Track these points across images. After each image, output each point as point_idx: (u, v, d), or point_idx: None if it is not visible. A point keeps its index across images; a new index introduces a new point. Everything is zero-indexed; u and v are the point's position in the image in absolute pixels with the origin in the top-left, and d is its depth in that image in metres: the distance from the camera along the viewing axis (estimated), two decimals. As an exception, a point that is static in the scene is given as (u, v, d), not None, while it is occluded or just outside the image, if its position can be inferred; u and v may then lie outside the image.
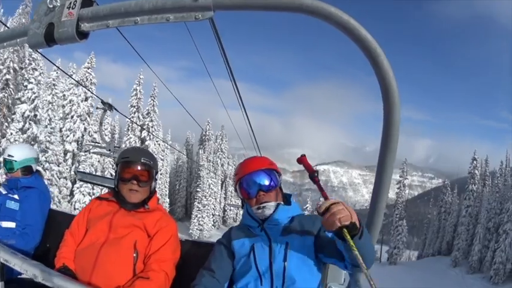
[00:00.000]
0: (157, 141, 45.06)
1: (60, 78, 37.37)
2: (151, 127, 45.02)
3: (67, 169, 34.59)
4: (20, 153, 3.93)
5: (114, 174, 3.04)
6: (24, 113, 29.15)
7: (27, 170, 3.95)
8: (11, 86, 29.91)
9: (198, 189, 54.44)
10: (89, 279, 2.50)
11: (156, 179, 3.02)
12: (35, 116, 29.84)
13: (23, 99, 29.45)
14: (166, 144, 50.10)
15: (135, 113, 43.20)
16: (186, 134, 68.23)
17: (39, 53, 27.05)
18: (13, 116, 28.99)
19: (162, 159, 48.69)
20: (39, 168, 4.25)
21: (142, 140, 42.73)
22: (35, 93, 29.92)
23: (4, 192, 3.84)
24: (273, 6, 1.71)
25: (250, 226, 2.61)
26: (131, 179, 2.84)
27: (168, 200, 52.40)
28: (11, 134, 28.70)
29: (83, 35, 2.10)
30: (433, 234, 60.39)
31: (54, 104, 33.62)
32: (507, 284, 38.87)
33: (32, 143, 28.72)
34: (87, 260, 2.61)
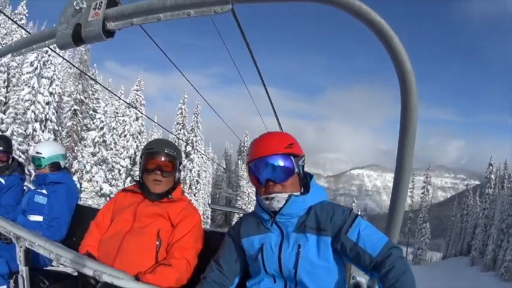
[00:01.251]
0: (200, 155, 46.80)
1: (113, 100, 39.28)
2: (195, 141, 46.98)
3: (121, 183, 35.84)
4: (47, 150, 3.94)
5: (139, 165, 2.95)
6: (94, 138, 32.09)
7: (55, 166, 3.95)
8: (79, 115, 33.49)
9: (238, 198, 54.47)
10: (111, 265, 2.43)
11: (180, 170, 2.95)
12: (104, 141, 32.77)
13: (91, 126, 32.57)
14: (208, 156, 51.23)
15: (180, 129, 45.62)
16: (225, 145, 69.24)
17: (98, 83, 29.56)
18: (84, 142, 32.61)
19: (204, 171, 51.08)
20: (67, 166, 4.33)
21: (187, 154, 44.51)
22: (102, 121, 32.84)
23: (33, 187, 3.89)
24: None
25: (262, 218, 2.26)
26: (155, 169, 2.78)
27: (210, 208, 52.67)
28: (83, 156, 32.06)
29: (109, 34, 2.08)
30: (455, 235, 62.52)
31: (117, 129, 35.94)
32: None
33: (101, 163, 31.92)
34: (111, 247, 2.59)
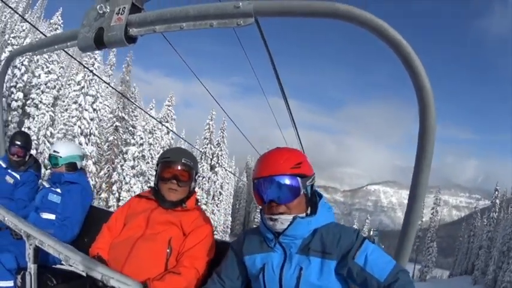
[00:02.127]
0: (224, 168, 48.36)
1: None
2: (220, 155, 48.29)
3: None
4: (65, 150, 3.86)
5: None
6: (134, 153, 34.33)
7: (72, 166, 3.86)
8: (120, 131, 35.53)
9: (257, 210, 55.09)
10: (120, 270, 2.37)
11: (195, 180, 2.85)
12: (143, 156, 35.05)
13: (130, 141, 35.05)
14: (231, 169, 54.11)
15: (207, 144, 46.55)
16: (247, 158, 68.93)
17: (134, 104, 32.03)
18: (125, 156, 34.44)
19: (227, 183, 53.08)
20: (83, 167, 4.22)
21: (212, 167, 46.08)
22: (142, 138, 35.11)
23: (47, 185, 3.80)
24: (309, 13, 1.68)
25: (266, 237, 2.13)
26: (171, 178, 2.69)
27: (230, 218, 55.89)
28: (123, 169, 33.95)
29: (131, 39, 2.09)
30: (462, 255, 64.19)
31: (154, 145, 37.98)
32: None
33: (139, 176, 34.50)
34: (122, 252, 2.51)
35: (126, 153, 34.27)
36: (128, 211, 2.79)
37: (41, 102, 28.76)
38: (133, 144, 34.66)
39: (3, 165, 4.17)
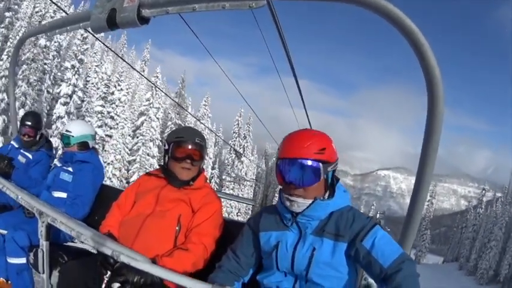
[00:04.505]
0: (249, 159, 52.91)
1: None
2: (246, 147, 52.02)
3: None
4: (77, 129, 3.74)
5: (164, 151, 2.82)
6: None
7: (84, 145, 3.76)
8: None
9: (275, 195, 56.15)
10: (130, 247, 2.27)
11: (205, 158, 2.80)
12: None
13: None
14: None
15: (236, 138, 50.27)
16: (265, 146, 71.61)
17: (189, 113, 36.86)
18: None
19: (250, 170, 55.40)
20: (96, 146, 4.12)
21: (238, 157, 49.72)
22: None
23: (59, 164, 3.73)
24: None
25: (283, 215, 2.07)
26: (185, 158, 2.62)
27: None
28: None
29: (143, 20, 1.99)
30: (454, 244, 69.59)
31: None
32: (490, 285, 48.51)
33: None
34: (131, 229, 2.47)
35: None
36: (138, 189, 2.73)
37: (116, 114, 33.84)
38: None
39: (16, 146, 4.12)
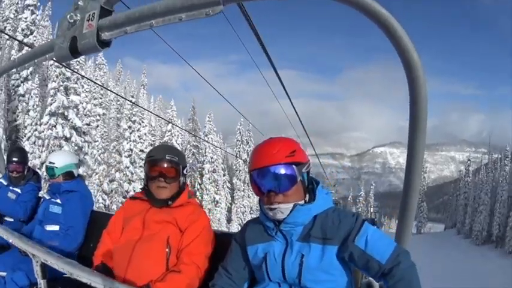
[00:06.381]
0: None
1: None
2: (250, 152, 52.42)
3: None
4: (60, 159, 3.66)
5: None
6: (209, 168, 44.06)
7: (69, 175, 3.68)
8: (196, 155, 44.79)
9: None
10: (124, 275, 2.29)
11: (185, 174, 2.65)
12: (214, 169, 44.56)
13: (205, 160, 44.21)
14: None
15: (240, 145, 53.12)
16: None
17: (202, 139, 41.79)
18: (202, 171, 44.03)
19: None
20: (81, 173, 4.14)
21: (245, 162, 50.49)
22: (212, 157, 44.51)
23: (48, 197, 3.64)
24: None
25: (267, 226, 2.02)
26: (158, 176, 2.52)
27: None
28: (203, 181, 43.61)
29: (104, 44, 1.90)
30: (452, 211, 74.61)
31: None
32: (486, 244, 50.93)
33: (213, 182, 44.45)
34: (123, 256, 2.38)
35: (203, 169, 43.95)
36: (125, 214, 2.64)
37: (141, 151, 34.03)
38: (208, 162, 44.18)
39: (5, 183, 4.05)
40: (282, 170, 1.87)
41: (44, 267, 2.22)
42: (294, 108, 7.73)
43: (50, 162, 3.63)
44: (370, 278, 2.19)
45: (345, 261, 1.88)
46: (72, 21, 1.85)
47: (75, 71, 24.97)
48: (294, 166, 1.89)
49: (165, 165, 2.51)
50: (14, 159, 3.97)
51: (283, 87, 6.10)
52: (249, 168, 1.98)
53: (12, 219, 3.90)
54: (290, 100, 7.03)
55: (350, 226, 1.87)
